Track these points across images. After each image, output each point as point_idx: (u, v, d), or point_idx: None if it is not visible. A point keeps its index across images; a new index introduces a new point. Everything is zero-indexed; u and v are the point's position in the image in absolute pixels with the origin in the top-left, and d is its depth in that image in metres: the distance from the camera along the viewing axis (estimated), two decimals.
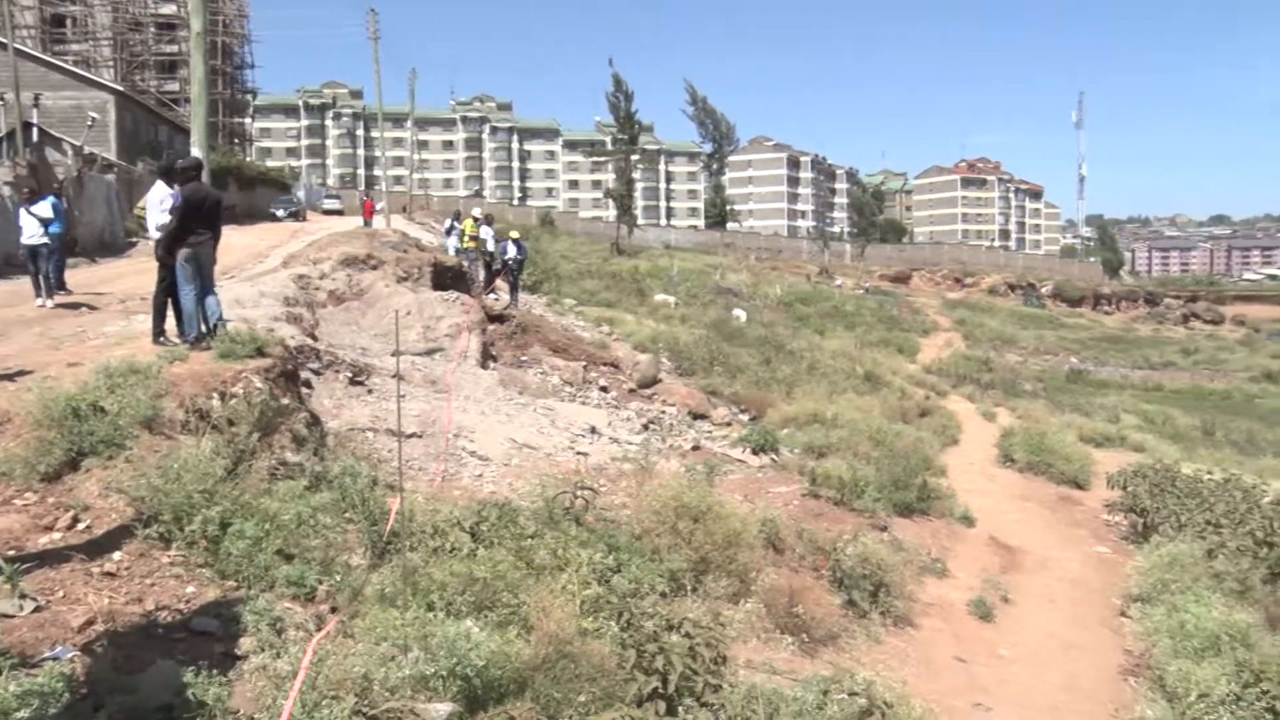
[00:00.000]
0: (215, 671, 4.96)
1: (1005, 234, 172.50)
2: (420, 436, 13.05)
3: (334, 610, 6.37)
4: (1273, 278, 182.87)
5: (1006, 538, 16.36)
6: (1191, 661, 9.49)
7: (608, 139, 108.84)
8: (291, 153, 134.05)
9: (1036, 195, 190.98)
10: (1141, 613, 11.96)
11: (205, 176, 11.69)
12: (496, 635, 6.09)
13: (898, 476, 16.13)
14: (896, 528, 14.45)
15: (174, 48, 59.14)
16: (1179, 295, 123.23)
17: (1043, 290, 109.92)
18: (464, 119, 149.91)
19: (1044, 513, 19.01)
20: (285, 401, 9.61)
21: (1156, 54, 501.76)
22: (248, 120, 78.82)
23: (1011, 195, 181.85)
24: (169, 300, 10.90)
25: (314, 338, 16.22)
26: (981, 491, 19.50)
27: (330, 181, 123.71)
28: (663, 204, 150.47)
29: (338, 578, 6.80)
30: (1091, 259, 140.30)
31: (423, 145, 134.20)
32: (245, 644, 5.53)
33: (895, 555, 12.27)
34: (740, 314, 48.17)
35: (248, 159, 66.36)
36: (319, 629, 5.78)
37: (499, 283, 28.01)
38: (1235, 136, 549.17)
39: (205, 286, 10.81)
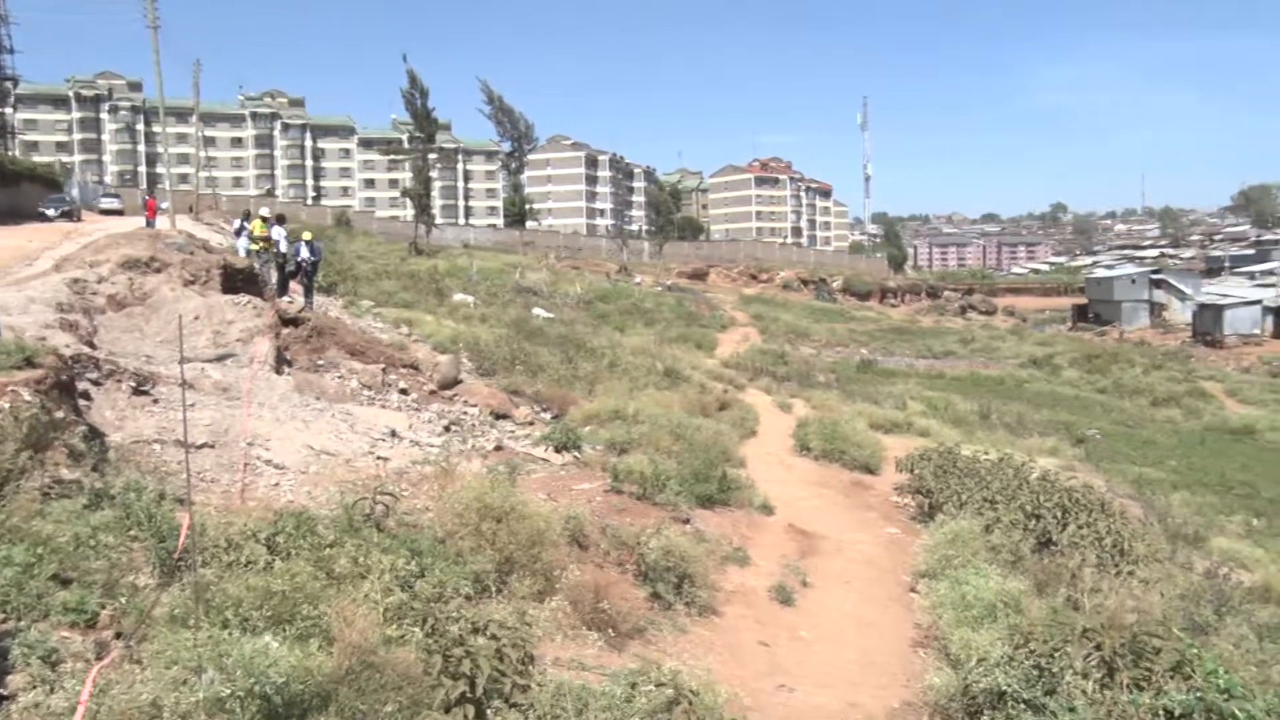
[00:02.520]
0: None
1: (797, 231, 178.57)
2: (213, 447, 12.52)
3: (119, 636, 6.03)
4: (1036, 271, 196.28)
5: (804, 524, 16.94)
6: (972, 629, 10.09)
7: (404, 137, 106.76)
8: (63, 147, 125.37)
9: (826, 194, 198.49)
10: (928, 588, 12.62)
11: None
12: (297, 649, 5.90)
13: (698, 469, 16.47)
14: (699, 519, 14.77)
15: None
16: (957, 288, 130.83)
17: (834, 285, 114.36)
18: (254, 115, 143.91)
19: (838, 498, 19.79)
20: (59, 415, 9.05)
21: (933, 61, 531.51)
22: (8, 110, 73.56)
23: (803, 194, 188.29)
24: None
25: (92, 346, 15.30)
26: (780, 480, 20.12)
27: (108, 179, 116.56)
28: (461, 203, 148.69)
29: (123, 601, 6.45)
30: (878, 255, 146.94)
31: (209, 142, 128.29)
32: (15, 681, 5.16)
33: (698, 546, 12.54)
34: (542, 313, 48.15)
35: (10, 153, 61.91)
36: (101, 657, 5.47)
37: (293, 285, 27.10)
38: (1003, 140, 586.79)
39: None
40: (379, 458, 14.22)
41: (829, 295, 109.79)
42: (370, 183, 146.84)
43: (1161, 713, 6.37)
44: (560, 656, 8.43)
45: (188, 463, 7.99)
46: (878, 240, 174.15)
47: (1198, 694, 6.48)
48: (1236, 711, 6.19)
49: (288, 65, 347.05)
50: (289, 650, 5.81)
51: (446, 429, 18.26)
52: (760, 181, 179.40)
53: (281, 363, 19.60)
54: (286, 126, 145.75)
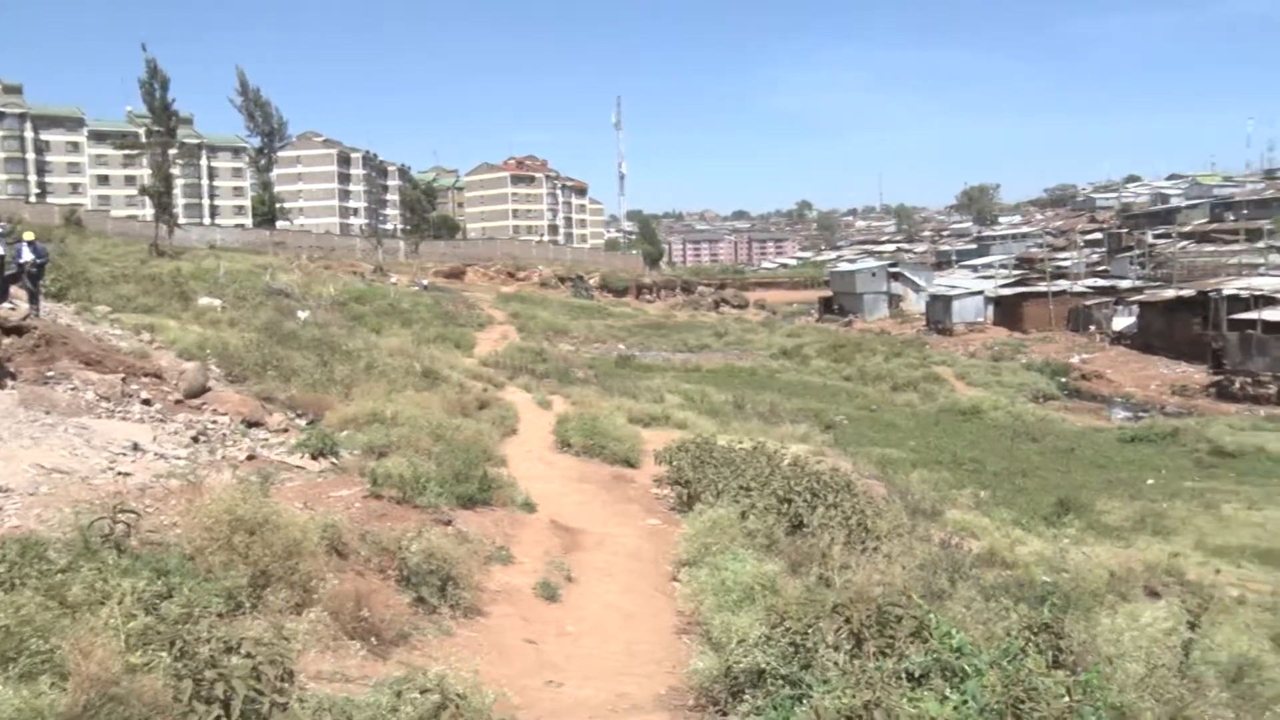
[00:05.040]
0: None
1: (554, 229, 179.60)
2: None
3: None
4: (785, 266, 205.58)
5: (567, 519, 17.09)
6: (731, 613, 10.44)
7: (142, 131, 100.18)
8: None
9: (582, 192, 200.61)
10: (689, 575, 12.97)
11: None
12: (23, 689, 5.45)
13: (459, 470, 16.31)
14: (461, 520, 14.63)
15: None
16: (710, 283, 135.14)
17: (591, 282, 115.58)
18: None
19: (600, 492, 20.05)
20: None
21: (684, 62, 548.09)
22: None
23: (559, 192, 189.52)
24: None
25: None
26: (541, 477, 20.22)
27: None
28: (206, 201, 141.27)
29: None
30: (634, 251, 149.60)
31: None
32: None
33: (461, 548, 12.42)
34: (305, 314, 46.60)
35: None
36: None
37: (15, 290, 25.04)
38: (752, 140, 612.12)
39: None
40: (120, 473, 13.37)
41: (586, 292, 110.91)
42: (104, 179, 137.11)
43: (904, 675, 6.80)
44: (322, 670, 8.19)
45: None
46: (633, 237, 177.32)
47: (934, 655, 6.97)
48: (966, 667, 6.71)
49: None
50: (14, 692, 5.37)
51: (194, 440, 17.35)
52: (516, 180, 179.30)
53: (4, 375, 18.12)
54: (1, 115, 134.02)
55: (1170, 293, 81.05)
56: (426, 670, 7.13)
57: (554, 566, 13.94)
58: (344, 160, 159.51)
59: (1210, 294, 71.10)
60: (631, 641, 11.55)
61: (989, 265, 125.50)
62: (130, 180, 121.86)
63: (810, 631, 8.03)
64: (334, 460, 16.76)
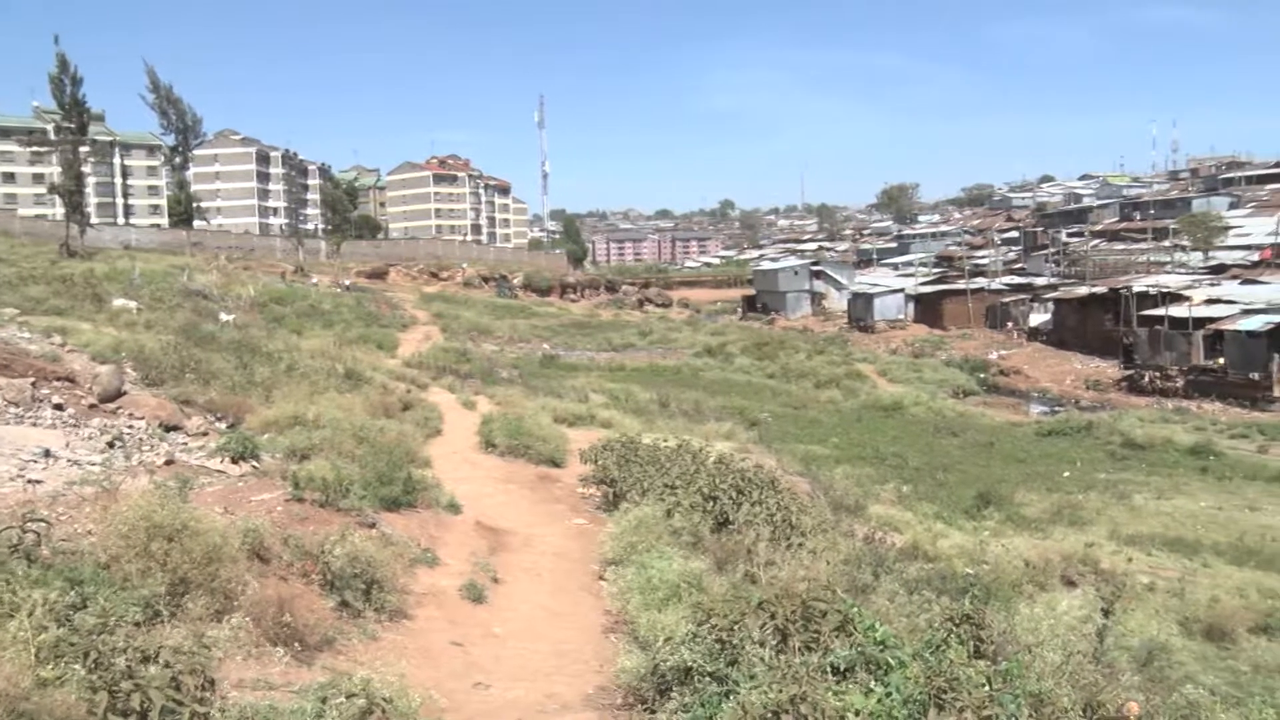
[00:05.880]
0: None
1: (477, 228, 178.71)
2: None
3: None
4: (708, 265, 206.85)
5: (492, 520, 17.00)
6: (658, 611, 10.47)
7: (50, 127, 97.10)
8: None
9: (505, 191, 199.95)
10: (616, 574, 12.96)
11: None
12: None
13: (383, 472, 16.13)
14: (385, 523, 14.47)
15: None
16: (634, 282, 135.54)
17: (515, 281, 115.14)
18: None
19: (525, 492, 19.99)
20: None
21: (607, 61, 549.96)
22: None
23: (482, 191, 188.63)
24: None
25: None
26: (466, 478, 20.09)
27: None
28: (120, 201, 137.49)
29: None
30: (557, 250, 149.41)
31: None
32: None
33: (385, 550, 12.28)
34: (228, 316, 45.74)
35: None
36: None
37: None
38: (675, 140, 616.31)
39: None
40: (30, 481, 12.99)
41: (510, 292, 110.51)
42: (9, 177, 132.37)
43: (829, 669, 6.88)
44: (244, 678, 8.03)
45: None
46: (557, 236, 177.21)
47: (859, 648, 7.06)
48: (889, 659, 6.82)
49: None
50: None
51: (110, 445, 16.91)
52: (439, 179, 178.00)
53: None
54: None
55: (1084, 290, 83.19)
56: (352, 675, 7.06)
57: (480, 568, 13.86)
58: (263, 159, 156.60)
59: (1121, 291, 73.04)
60: (559, 641, 11.52)
61: (909, 263, 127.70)
62: (38, 178, 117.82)
63: (736, 628, 8.08)
64: (255, 464, 16.46)
